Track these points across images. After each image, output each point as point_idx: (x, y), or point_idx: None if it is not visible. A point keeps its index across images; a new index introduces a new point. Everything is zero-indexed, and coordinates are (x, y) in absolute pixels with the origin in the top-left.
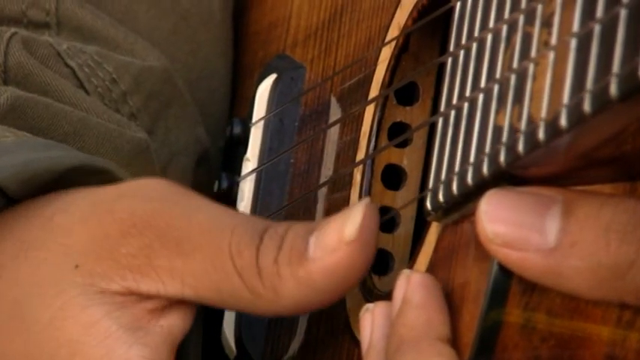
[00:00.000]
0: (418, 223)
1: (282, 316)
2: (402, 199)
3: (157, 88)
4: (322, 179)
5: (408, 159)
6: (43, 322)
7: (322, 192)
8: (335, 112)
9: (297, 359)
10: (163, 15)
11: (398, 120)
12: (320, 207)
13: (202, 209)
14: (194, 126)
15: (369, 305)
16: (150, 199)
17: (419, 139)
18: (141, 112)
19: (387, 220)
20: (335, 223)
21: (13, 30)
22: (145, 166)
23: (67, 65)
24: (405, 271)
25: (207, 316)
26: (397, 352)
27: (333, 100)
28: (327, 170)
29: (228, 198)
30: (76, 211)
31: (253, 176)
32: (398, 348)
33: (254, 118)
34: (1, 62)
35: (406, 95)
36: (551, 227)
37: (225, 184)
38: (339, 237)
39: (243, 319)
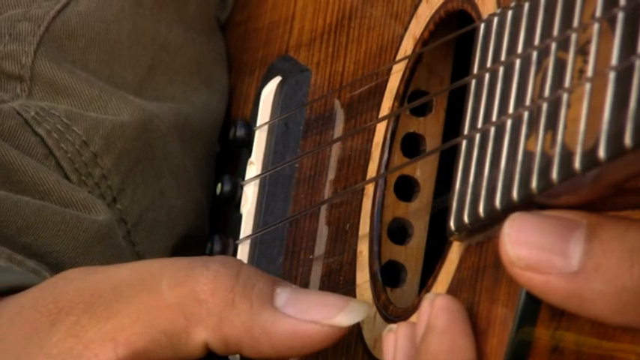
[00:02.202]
0: (430, 235)
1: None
2: (414, 210)
3: (127, 145)
4: (327, 185)
5: (421, 170)
6: None
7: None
8: (340, 118)
9: None
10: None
11: (411, 131)
12: (323, 215)
13: (124, 266)
14: (159, 178)
15: (392, 326)
16: (70, 280)
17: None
18: (111, 173)
19: (399, 232)
20: (326, 300)
21: None
22: (104, 252)
23: (35, 133)
24: (429, 295)
25: None
26: None
27: (338, 105)
28: (331, 175)
29: (231, 201)
30: (4, 317)
31: (257, 180)
32: None
33: (258, 121)
34: None
35: (419, 106)
36: (575, 251)
37: (227, 187)
38: (327, 315)
39: None
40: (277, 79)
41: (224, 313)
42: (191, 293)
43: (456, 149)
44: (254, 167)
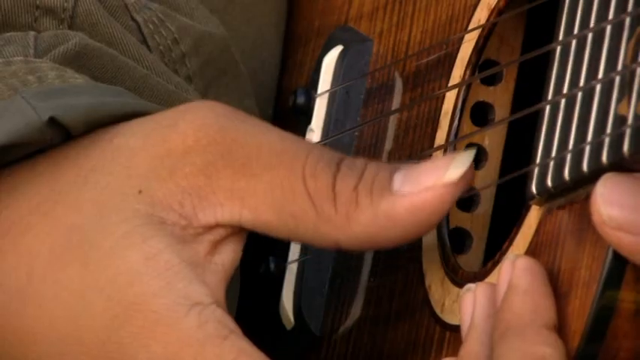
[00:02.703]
0: (496, 202)
1: (342, 249)
2: (481, 178)
3: (214, 54)
4: (384, 154)
5: (489, 139)
6: (103, 249)
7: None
8: (399, 89)
9: (366, 333)
10: None
11: (481, 99)
12: None
13: (273, 131)
14: (243, 97)
15: (471, 285)
16: (216, 114)
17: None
18: (196, 76)
19: (466, 199)
20: (433, 165)
21: None
22: None
23: (133, 19)
24: (510, 256)
25: (265, 286)
26: (502, 338)
27: (398, 76)
28: (388, 145)
29: None
30: (138, 131)
31: None
32: (503, 334)
33: (319, 89)
34: (70, 7)
35: (489, 75)
36: None
37: None
38: (438, 177)
39: (303, 289)
40: (339, 48)
41: (351, 210)
42: (327, 188)
43: (523, 120)
44: (314, 134)
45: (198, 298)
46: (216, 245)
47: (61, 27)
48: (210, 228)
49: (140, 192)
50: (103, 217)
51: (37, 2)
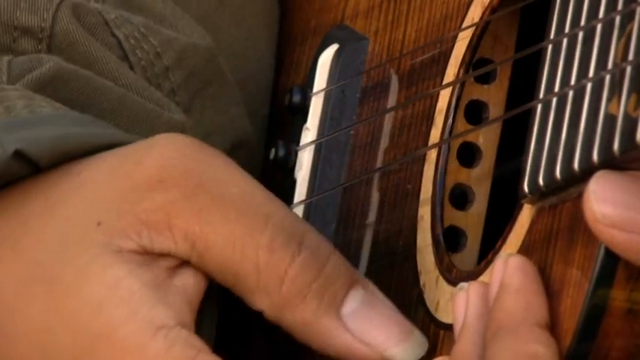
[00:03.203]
0: (491, 201)
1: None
2: (476, 176)
3: (199, 66)
4: (380, 153)
5: (484, 137)
6: (65, 281)
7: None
8: (394, 87)
9: None
10: None
11: (475, 98)
12: (378, 182)
13: (237, 182)
14: (229, 107)
15: (464, 284)
16: (183, 155)
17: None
18: (181, 89)
19: (460, 198)
20: (390, 323)
21: None
22: None
23: (113, 35)
24: (502, 255)
25: None
26: (495, 337)
27: (393, 74)
28: (384, 144)
29: (285, 166)
30: (104, 166)
31: (313, 146)
32: (495, 333)
33: (315, 88)
34: (48, 27)
35: (483, 73)
36: None
37: (282, 152)
38: (384, 342)
39: None
40: (335, 47)
41: (293, 302)
42: (277, 266)
43: (517, 118)
44: (309, 133)
45: (163, 321)
46: (174, 269)
47: (39, 47)
48: (165, 255)
49: (99, 224)
50: (65, 250)
51: (15, 23)
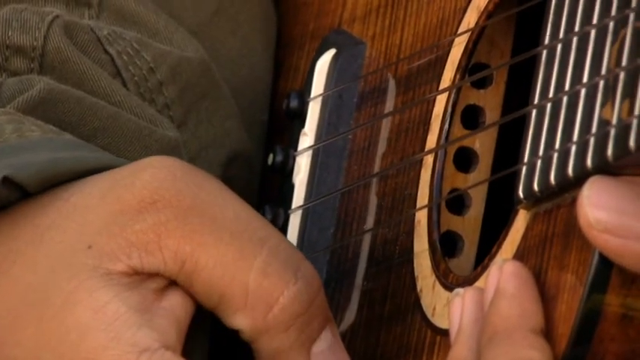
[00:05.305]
0: (488, 205)
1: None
2: (473, 181)
3: (192, 79)
4: (377, 158)
5: (480, 142)
6: (55, 306)
7: (377, 168)
8: (392, 92)
9: (359, 336)
10: None
11: (471, 103)
12: (376, 187)
13: (231, 205)
14: (225, 119)
15: (459, 290)
16: (174, 177)
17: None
18: (175, 103)
19: (457, 202)
20: None
21: (55, 12)
22: None
23: (106, 52)
24: (498, 261)
25: None
26: (490, 343)
27: (391, 79)
28: (382, 148)
29: (283, 171)
30: (94, 190)
31: (310, 151)
32: (491, 338)
33: (312, 93)
34: (40, 46)
35: (480, 78)
36: None
37: (280, 158)
38: None
39: None
40: (332, 52)
41: (275, 330)
42: (269, 291)
43: (514, 122)
44: (307, 138)
45: (147, 344)
46: (162, 291)
47: (32, 65)
48: (154, 276)
49: (90, 247)
50: (55, 275)
51: (7, 42)
